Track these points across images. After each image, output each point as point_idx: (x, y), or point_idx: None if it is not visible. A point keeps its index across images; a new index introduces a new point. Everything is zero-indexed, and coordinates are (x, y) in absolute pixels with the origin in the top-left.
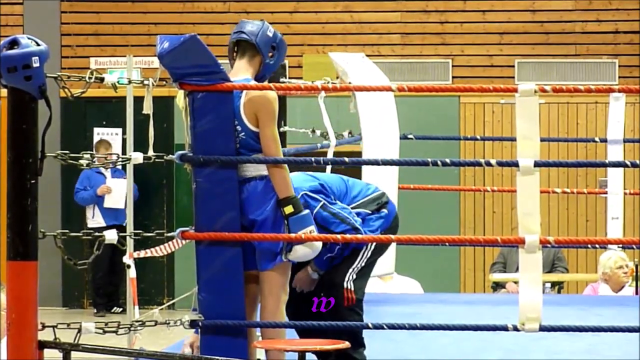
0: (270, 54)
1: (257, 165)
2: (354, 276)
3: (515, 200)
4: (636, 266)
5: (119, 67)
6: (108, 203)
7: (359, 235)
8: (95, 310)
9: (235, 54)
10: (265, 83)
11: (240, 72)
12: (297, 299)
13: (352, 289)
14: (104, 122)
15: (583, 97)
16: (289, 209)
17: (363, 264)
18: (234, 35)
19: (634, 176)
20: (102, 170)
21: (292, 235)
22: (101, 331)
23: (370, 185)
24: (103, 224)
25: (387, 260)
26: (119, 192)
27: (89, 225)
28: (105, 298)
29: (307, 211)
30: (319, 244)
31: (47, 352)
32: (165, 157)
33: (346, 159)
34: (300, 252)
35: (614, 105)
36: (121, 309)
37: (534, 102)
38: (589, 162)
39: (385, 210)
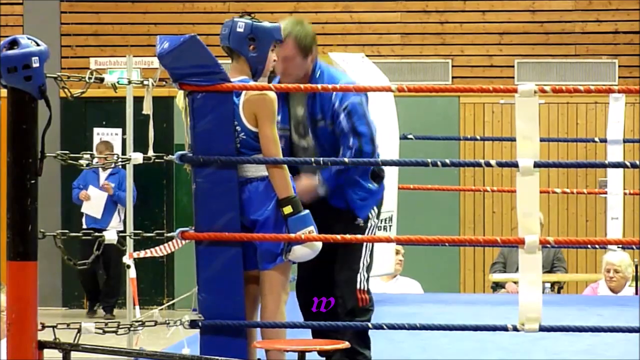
0: (251, 47)
1: (258, 166)
2: (366, 275)
3: (515, 200)
4: (636, 266)
5: (118, 67)
6: (85, 208)
7: (359, 236)
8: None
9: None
10: (265, 83)
11: (236, 74)
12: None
13: (366, 289)
14: (104, 122)
15: (583, 97)
16: (288, 210)
17: (369, 260)
18: (219, 41)
19: (634, 176)
20: (100, 170)
21: (292, 235)
22: (101, 331)
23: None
24: (84, 226)
25: (387, 260)
26: (97, 203)
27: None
28: (93, 298)
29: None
30: (319, 244)
31: (47, 352)
32: (165, 157)
33: (346, 159)
34: (299, 253)
35: (613, 105)
36: (104, 308)
37: (533, 103)
38: (589, 162)
39: (375, 185)
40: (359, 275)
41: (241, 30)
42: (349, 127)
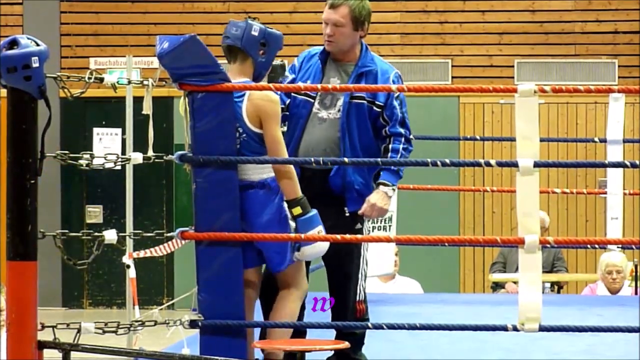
0: (261, 52)
1: (258, 169)
2: (364, 285)
3: (515, 200)
4: (636, 266)
5: (118, 67)
6: None
7: (359, 236)
8: None
9: (229, 58)
10: (265, 83)
11: (237, 75)
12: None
13: (363, 298)
14: (104, 122)
15: (583, 97)
16: (297, 210)
17: (366, 269)
18: (222, 40)
19: (634, 176)
20: None
21: (292, 235)
22: (101, 331)
23: None
24: None
25: (386, 260)
26: None
27: None
28: None
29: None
30: (327, 243)
31: (47, 352)
32: (165, 157)
33: (346, 159)
34: (308, 252)
35: (613, 105)
36: None
37: (533, 103)
38: (589, 162)
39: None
40: (358, 286)
41: (255, 33)
42: (400, 116)
